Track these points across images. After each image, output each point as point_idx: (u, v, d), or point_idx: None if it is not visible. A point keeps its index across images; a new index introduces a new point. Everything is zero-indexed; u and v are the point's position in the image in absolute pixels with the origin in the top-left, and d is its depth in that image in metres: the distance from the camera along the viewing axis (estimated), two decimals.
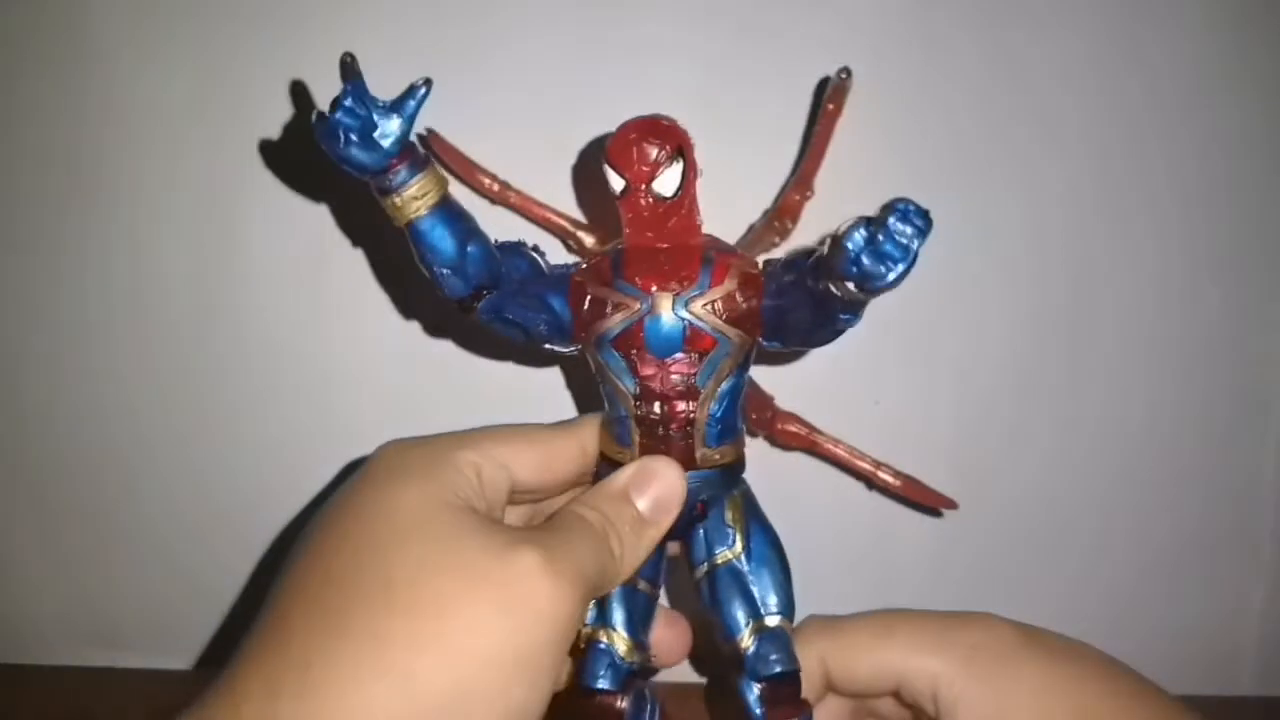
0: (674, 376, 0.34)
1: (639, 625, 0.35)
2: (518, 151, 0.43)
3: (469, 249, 0.32)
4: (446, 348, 0.48)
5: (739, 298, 0.33)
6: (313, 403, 0.49)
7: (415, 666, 0.26)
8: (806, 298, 0.32)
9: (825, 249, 0.29)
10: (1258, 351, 0.49)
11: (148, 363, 0.49)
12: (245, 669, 0.27)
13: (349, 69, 0.29)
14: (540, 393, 0.48)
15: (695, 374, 0.34)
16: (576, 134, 0.44)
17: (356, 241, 0.47)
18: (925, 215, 0.26)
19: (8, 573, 0.52)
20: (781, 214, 0.43)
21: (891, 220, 0.26)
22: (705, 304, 0.33)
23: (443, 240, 0.31)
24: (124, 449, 0.50)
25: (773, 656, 0.34)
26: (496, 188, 0.42)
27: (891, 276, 0.27)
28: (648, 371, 0.34)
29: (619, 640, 0.34)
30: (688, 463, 0.34)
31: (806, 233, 0.42)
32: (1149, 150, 0.46)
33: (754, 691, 0.34)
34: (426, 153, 0.31)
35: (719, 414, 0.34)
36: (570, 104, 0.45)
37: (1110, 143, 0.46)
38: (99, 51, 0.45)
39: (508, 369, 0.48)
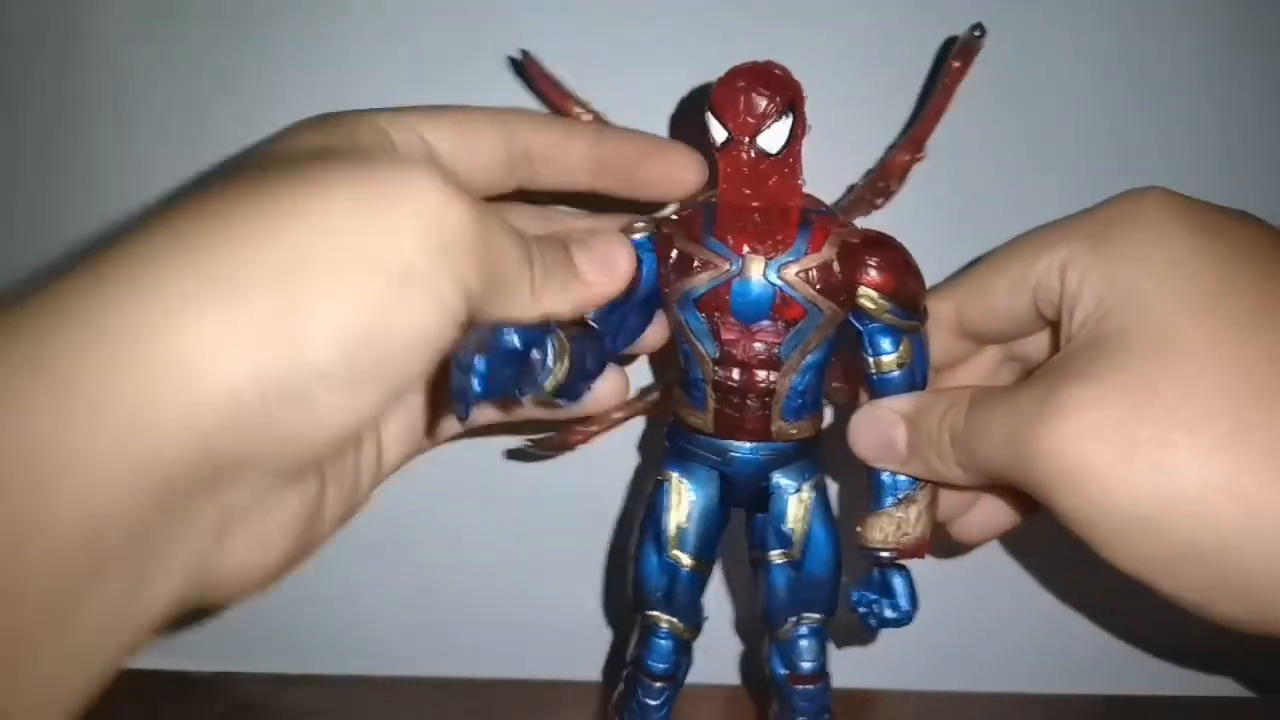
0: (757, 344, 0.32)
1: (698, 606, 0.36)
2: None
3: (590, 370, 0.30)
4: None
5: (836, 268, 0.31)
6: None
7: (249, 271, 0.21)
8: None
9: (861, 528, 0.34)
10: None
11: None
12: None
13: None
14: None
15: (780, 344, 0.32)
16: None
17: None
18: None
19: None
20: (887, 173, 0.40)
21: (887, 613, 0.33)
22: (799, 271, 0.31)
23: (573, 390, 0.29)
24: None
25: (806, 656, 0.35)
26: (589, 119, 0.40)
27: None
28: (730, 336, 0.32)
29: (683, 627, 0.35)
30: (763, 434, 0.33)
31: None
32: (1164, 144, 0.43)
33: (778, 658, 0.35)
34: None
35: (801, 387, 0.33)
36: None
37: (1127, 135, 0.43)
38: (96, 50, 0.43)
39: None
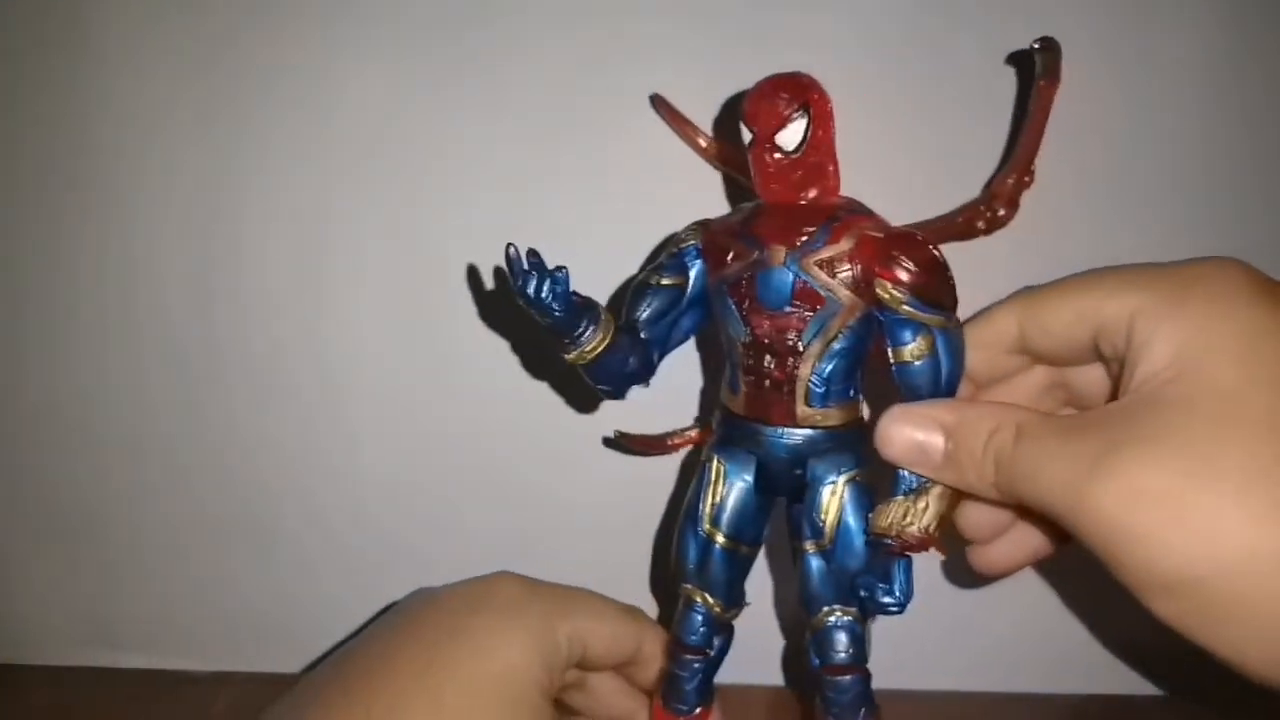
0: (781, 330, 0.34)
1: (735, 587, 0.37)
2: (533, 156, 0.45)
3: (628, 369, 0.35)
4: (447, 346, 0.48)
5: (853, 259, 0.33)
6: (312, 403, 0.49)
7: None
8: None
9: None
10: None
11: (147, 362, 0.48)
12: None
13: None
14: (542, 392, 0.48)
15: (803, 330, 0.34)
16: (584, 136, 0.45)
17: (357, 240, 0.46)
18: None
19: (8, 573, 0.52)
20: (994, 199, 0.41)
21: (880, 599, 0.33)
22: (817, 260, 0.33)
23: (604, 372, 0.35)
24: (123, 449, 0.50)
25: (837, 647, 0.35)
26: (711, 149, 0.44)
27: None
28: (757, 321, 0.34)
29: (714, 603, 0.37)
30: (788, 419, 0.35)
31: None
32: (1160, 145, 0.43)
33: (814, 648, 0.36)
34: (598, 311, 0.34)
35: (826, 373, 0.34)
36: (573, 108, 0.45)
37: (1119, 137, 0.43)
38: (96, 48, 0.44)
39: (511, 361, 0.48)
